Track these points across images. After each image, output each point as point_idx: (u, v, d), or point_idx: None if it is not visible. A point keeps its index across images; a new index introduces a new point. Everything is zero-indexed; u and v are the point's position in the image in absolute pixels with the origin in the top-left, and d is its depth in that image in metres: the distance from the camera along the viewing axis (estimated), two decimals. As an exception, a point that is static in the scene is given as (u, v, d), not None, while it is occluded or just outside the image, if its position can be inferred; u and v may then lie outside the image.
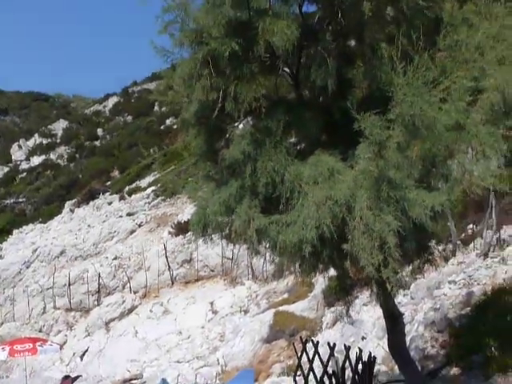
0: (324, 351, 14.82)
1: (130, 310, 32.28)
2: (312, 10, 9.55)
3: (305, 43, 8.96)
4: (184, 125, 10.01)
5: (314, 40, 8.90)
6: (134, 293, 34.60)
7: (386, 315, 10.50)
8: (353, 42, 9.40)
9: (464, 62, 8.43)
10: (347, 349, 13.90)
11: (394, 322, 10.42)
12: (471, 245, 21.67)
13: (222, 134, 9.49)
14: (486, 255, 19.22)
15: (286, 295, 26.74)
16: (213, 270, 34.10)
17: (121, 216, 47.06)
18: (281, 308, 24.43)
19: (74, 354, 29.97)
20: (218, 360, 24.00)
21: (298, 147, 9.31)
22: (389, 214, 7.51)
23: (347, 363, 13.59)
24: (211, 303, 29.75)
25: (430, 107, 7.59)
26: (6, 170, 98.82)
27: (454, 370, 13.22)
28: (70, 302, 35.28)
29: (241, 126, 9.54)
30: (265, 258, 28.13)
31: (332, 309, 21.89)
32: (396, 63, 7.73)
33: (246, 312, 27.75)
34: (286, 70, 9.49)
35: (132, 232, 43.16)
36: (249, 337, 23.44)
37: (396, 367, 14.36)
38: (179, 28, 8.90)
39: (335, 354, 13.94)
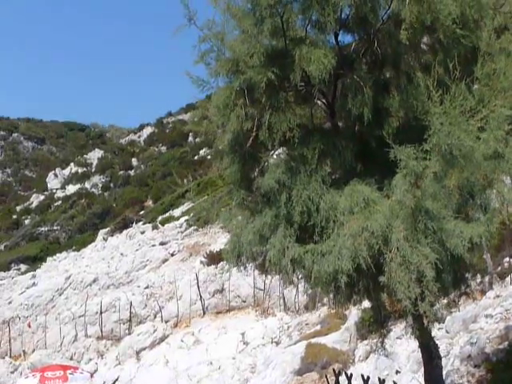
0: (356, 384, 14.59)
1: (161, 340, 32.15)
2: (348, 39, 9.57)
3: (341, 72, 8.94)
4: (218, 153, 10.01)
5: (349, 69, 8.88)
6: (166, 322, 34.53)
7: (422, 348, 10.28)
8: (389, 71, 9.35)
9: (502, 91, 8.31)
10: (381, 382, 13.65)
11: (430, 355, 10.20)
12: (508, 278, 21.27)
13: (257, 163, 9.45)
14: (523, 289, 18.82)
15: (318, 327, 26.41)
16: (244, 301, 33.95)
17: (153, 245, 47.26)
18: (313, 340, 24.10)
19: (104, 382, 29.82)
20: (248, 391, 23.78)
21: (334, 176, 9.23)
22: (426, 245, 7.38)
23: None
24: (242, 334, 29.51)
25: (468, 136, 7.48)
26: (42, 198, 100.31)
27: (492, 407, 12.92)
28: (102, 330, 35.33)
29: (275, 154, 9.51)
30: (297, 289, 28.17)
31: (365, 341, 21.55)
32: (432, 92, 7.64)
33: (277, 343, 27.46)
34: (322, 98, 9.47)
35: (164, 261, 43.27)
36: (280, 368, 23.14)
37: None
38: (215, 57, 8.98)
39: (369, 387, 13.71)
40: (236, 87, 8.47)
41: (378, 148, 8.64)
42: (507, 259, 23.15)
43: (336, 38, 9.23)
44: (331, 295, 9.32)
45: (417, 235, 7.41)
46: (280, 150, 9.57)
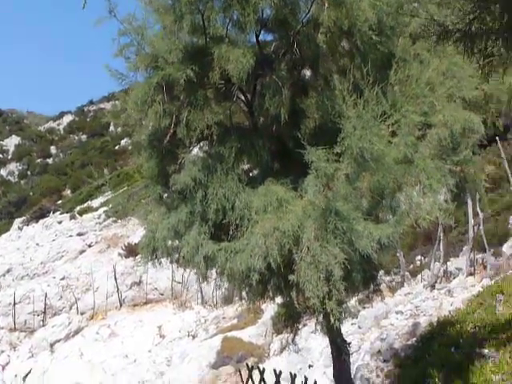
0: (271, 378, 14.81)
1: (76, 332, 31.70)
2: (270, 38, 9.68)
3: (260, 72, 9.03)
4: (136, 147, 9.96)
5: (269, 69, 8.98)
6: (81, 314, 34.09)
7: (332, 344, 10.54)
8: (307, 73, 9.52)
9: (414, 97, 8.57)
10: (293, 377, 13.90)
11: (338, 351, 10.45)
12: (419, 276, 22.00)
13: (175, 159, 9.44)
14: (433, 287, 19.51)
15: (234, 321, 26.66)
16: (162, 294, 33.89)
17: (71, 236, 46.50)
18: (229, 334, 24.33)
19: (16, 375, 29.13)
20: (163, 385, 23.73)
21: (251, 174, 9.34)
22: (335, 245, 7.53)
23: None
24: (159, 327, 29.47)
25: (380, 140, 7.67)
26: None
27: (398, 401, 13.33)
28: (15, 322, 34.52)
29: (194, 151, 9.53)
30: (215, 283, 28.27)
31: (280, 336, 21.88)
32: (347, 96, 7.82)
33: (194, 337, 27.55)
34: (241, 97, 9.55)
35: (81, 252, 42.67)
36: (196, 362, 23.25)
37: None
38: (135, 52, 8.93)
39: (281, 382, 13.93)
40: (154, 83, 8.45)
41: (295, 148, 8.76)
42: (419, 257, 23.97)
43: (257, 37, 9.30)
44: (244, 292, 9.45)
45: (327, 235, 7.56)
46: (198, 147, 9.60)
